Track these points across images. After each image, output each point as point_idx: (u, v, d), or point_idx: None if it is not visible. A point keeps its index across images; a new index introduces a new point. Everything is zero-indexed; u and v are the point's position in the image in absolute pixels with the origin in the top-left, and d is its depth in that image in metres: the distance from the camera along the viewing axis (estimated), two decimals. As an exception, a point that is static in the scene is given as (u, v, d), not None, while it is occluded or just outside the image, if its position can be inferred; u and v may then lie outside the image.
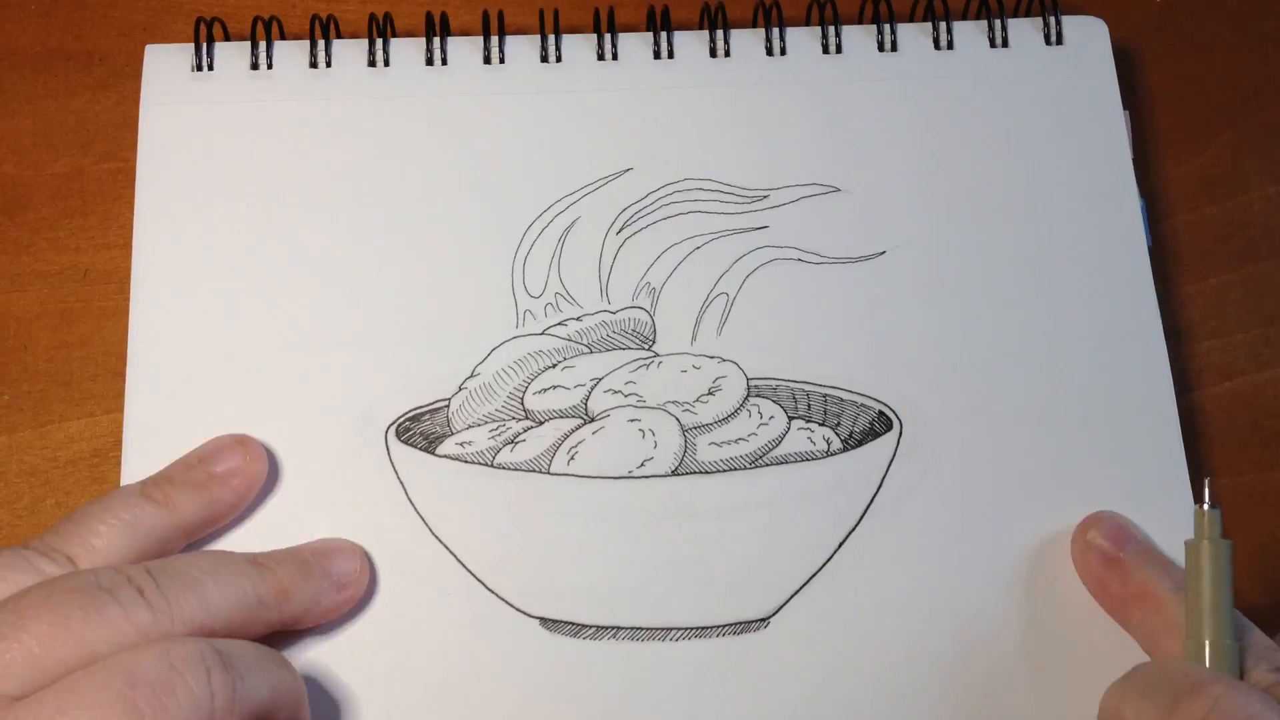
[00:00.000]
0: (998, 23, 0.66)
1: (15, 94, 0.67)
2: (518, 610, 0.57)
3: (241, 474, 0.57)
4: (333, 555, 0.56)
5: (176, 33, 0.68)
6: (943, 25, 0.66)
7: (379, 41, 0.65)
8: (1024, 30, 0.66)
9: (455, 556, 0.58)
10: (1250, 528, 0.62)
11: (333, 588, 0.55)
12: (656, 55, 0.65)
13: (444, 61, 0.65)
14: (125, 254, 0.62)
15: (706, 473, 0.59)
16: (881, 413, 0.60)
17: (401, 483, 0.59)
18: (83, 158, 0.65)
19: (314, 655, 0.56)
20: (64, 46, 0.67)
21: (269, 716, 0.49)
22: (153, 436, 0.59)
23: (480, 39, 0.65)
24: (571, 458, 0.59)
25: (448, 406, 0.60)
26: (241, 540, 0.57)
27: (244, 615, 0.51)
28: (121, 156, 0.65)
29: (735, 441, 0.59)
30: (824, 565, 0.58)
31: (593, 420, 0.60)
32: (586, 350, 0.61)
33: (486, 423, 0.60)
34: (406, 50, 0.65)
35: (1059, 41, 0.66)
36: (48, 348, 0.62)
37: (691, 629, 0.57)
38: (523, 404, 0.60)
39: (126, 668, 0.44)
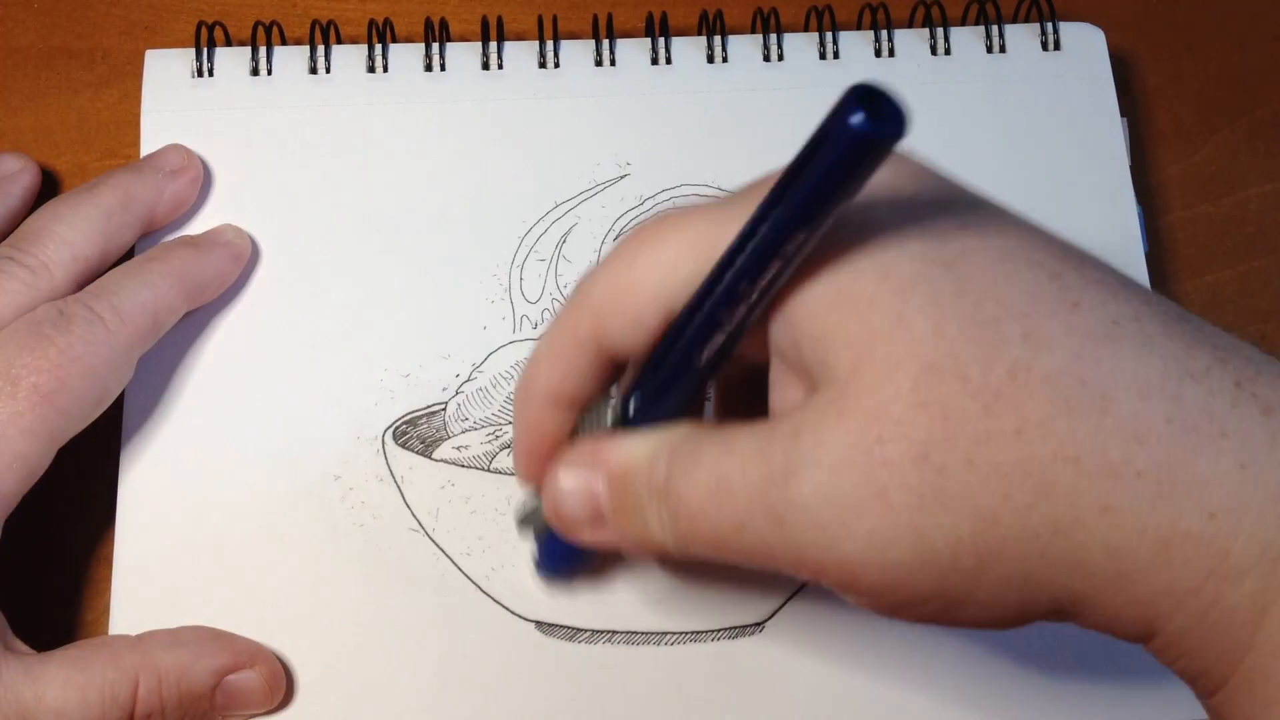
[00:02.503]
0: (995, 29, 0.66)
1: (17, 91, 0.67)
2: (513, 614, 0.57)
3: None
4: (160, 153, 0.62)
5: (178, 31, 0.68)
6: (940, 31, 0.66)
7: (378, 47, 0.65)
8: (1021, 36, 0.66)
9: (451, 560, 0.58)
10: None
11: (166, 177, 0.61)
12: (654, 61, 0.65)
13: (443, 67, 0.65)
14: (127, 252, 0.62)
15: (702, 478, 0.59)
16: (876, 419, 0.60)
17: (398, 486, 0.59)
18: (84, 155, 0.65)
19: (309, 657, 0.56)
20: (66, 44, 0.68)
21: (157, 316, 0.57)
22: (149, 441, 0.59)
23: (479, 45, 0.65)
24: (567, 463, 0.59)
25: (444, 410, 0.60)
26: (238, 545, 0.58)
27: (103, 233, 0.58)
28: (123, 154, 0.65)
29: (731, 447, 0.59)
30: (818, 570, 0.58)
31: (589, 425, 0.60)
32: (583, 356, 0.61)
33: (483, 427, 0.60)
34: (406, 56, 0.65)
35: (1056, 48, 0.66)
36: (51, 344, 0.63)
37: (687, 633, 0.57)
38: (519, 409, 0.60)
39: (28, 318, 0.54)
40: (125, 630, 0.55)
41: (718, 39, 0.66)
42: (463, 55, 0.65)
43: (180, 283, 0.58)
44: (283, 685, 0.55)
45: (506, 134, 0.64)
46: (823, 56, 0.66)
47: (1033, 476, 0.38)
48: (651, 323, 0.43)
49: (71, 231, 0.57)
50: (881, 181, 0.38)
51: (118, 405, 0.59)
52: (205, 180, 0.63)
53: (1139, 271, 0.63)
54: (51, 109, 0.66)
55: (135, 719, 0.51)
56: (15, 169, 0.62)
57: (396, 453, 0.59)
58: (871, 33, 0.66)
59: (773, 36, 0.66)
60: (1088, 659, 0.57)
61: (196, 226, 0.62)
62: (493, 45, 0.65)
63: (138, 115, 0.64)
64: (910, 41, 0.66)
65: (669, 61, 0.66)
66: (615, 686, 0.57)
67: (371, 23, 0.65)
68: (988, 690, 0.57)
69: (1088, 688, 0.57)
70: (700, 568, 0.58)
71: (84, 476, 0.60)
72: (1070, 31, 0.66)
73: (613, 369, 0.46)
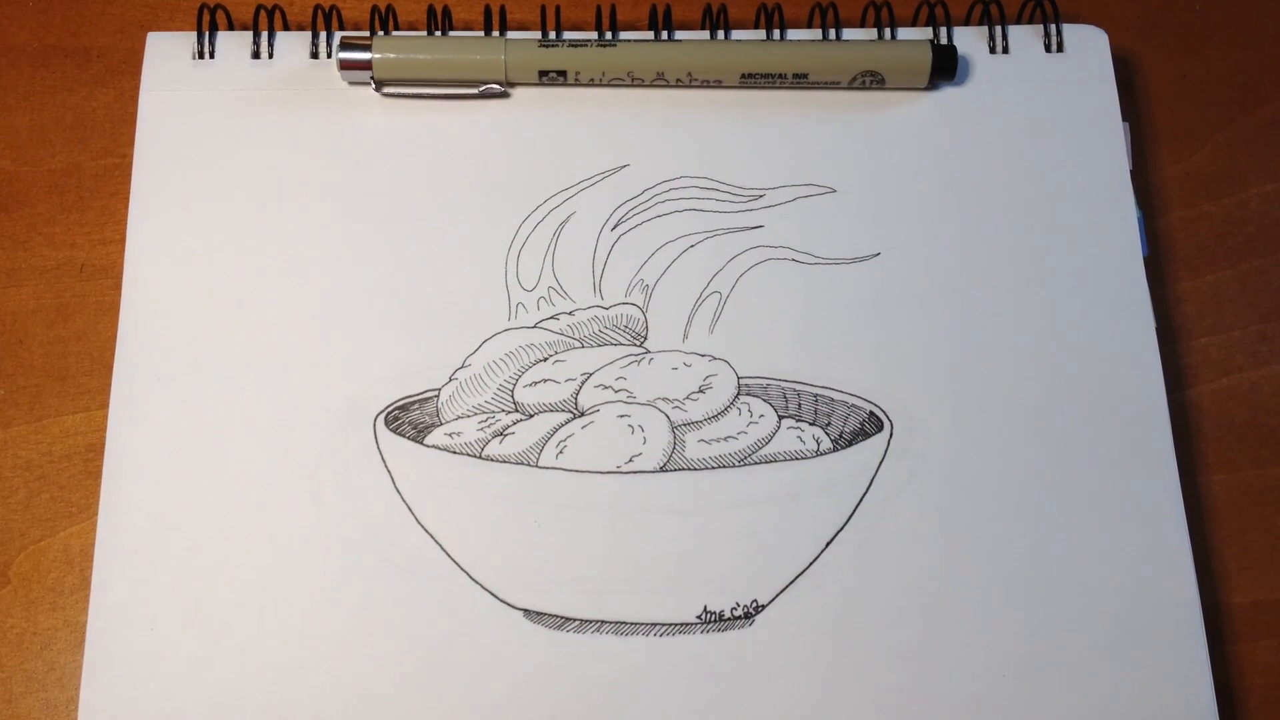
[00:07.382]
0: (998, 29, 0.66)
1: (12, 90, 0.67)
2: (502, 602, 0.57)
3: None
4: None
5: (174, 29, 0.68)
6: (943, 31, 0.66)
7: (380, 33, 0.65)
8: (1024, 37, 0.66)
9: (441, 546, 0.57)
10: (1247, 524, 0.62)
11: None
12: (657, 53, 0.66)
13: (444, 54, 0.65)
14: (121, 249, 0.62)
15: (695, 470, 0.58)
16: (872, 414, 0.60)
17: (389, 471, 0.58)
18: (79, 154, 0.65)
19: (296, 642, 0.56)
20: (61, 43, 0.68)
21: None
22: (138, 425, 0.59)
23: (482, 34, 0.65)
24: (560, 452, 0.58)
25: (437, 397, 0.60)
26: (227, 525, 0.57)
27: None
28: (118, 153, 0.65)
29: (724, 439, 0.59)
30: (810, 564, 0.58)
31: (582, 415, 0.59)
32: (578, 345, 0.61)
33: (476, 414, 0.59)
34: (407, 43, 0.65)
35: (1059, 49, 0.66)
36: (43, 342, 0.62)
37: (676, 624, 0.57)
38: (513, 396, 0.60)
39: None
40: (106, 608, 0.56)
41: (720, 33, 0.66)
42: (464, 44, 0.66)
43: None
44: None
45: (507, 121, 0.64)
46: (825, 53, 0.66)
47: None
48: None
49: None
50: None
51: (106, 385, 0.59)
52: (203, 164, 0.62)
53: (1138, 275, 0.62)
54: (47, 108, 0.66)
55: None
56: None
57: (388, 438, 0.59)
58: (874, 30, 0.66)
59: (776, 32, 0.66)
60: (1082, 657, 0.57)
61: (197, 210, 0.62)
62: (495, 34, 0.65)
63: (134, 114, 0.64)
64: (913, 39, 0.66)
65: (671, 54, 0.66)
66: (603, 677, 0.56)
67: (374, 9, 0.65)
68: (977, 689, 0.57)
69: (1082, 686, 0.57)
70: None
71: (76, 473, 0.60)
72: (1074, 33, 0.66)
73: None
